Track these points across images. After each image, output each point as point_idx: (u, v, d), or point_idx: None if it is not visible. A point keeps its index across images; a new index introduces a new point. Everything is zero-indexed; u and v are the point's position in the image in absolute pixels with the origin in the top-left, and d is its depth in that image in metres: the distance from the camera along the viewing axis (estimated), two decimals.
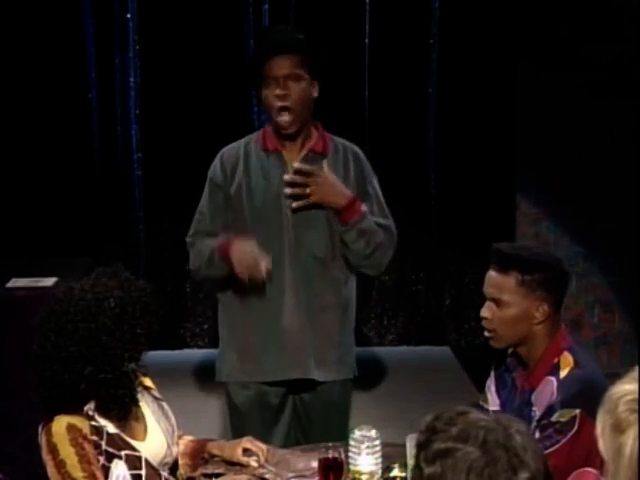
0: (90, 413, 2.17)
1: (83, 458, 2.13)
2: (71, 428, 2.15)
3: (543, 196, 4.92)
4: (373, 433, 2.34)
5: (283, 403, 2.95)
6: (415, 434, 2.26)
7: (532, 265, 2.29)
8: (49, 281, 3.74)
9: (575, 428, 2.11)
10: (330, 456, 2.33)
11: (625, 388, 1.41)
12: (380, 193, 2.95)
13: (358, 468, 2.33)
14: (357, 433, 2.35)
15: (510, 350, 2.41)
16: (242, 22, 4.98)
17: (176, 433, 2.42)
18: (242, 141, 2.95)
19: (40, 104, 4.85)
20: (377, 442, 2.34)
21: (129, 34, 4.95)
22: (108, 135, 5.05)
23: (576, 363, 2.25)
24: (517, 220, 4.98)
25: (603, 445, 1.42)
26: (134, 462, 2.22)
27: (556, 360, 2.27)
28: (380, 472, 2.35)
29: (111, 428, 2.20)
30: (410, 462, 2.32)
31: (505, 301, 2.29)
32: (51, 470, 2.15)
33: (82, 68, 4.93)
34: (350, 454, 2.34)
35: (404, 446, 2.34)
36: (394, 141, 5.10)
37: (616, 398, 1.41)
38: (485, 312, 2.34)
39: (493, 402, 2.45)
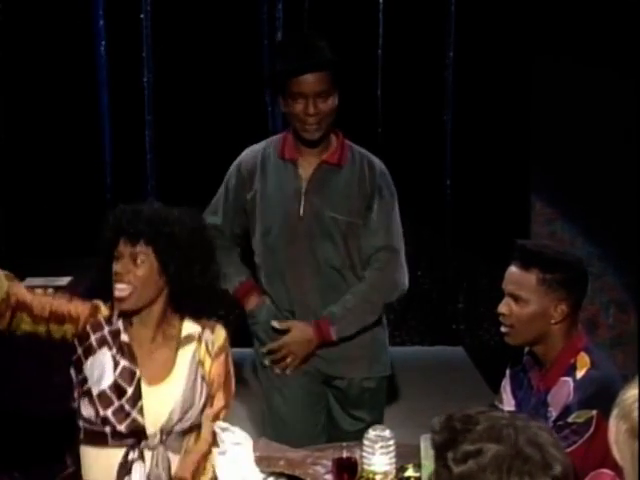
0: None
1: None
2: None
3: (558, 196, 4.89)
4: (387, 433, 2.34)
5: (317, 391, 2.97)
6: (429, 434, 2.27)
7: (554, 264, 2.27)
8: (64, 280, 3.76)
9: (592, 429, 2.09)
10: (344, 456, 2.33)
11: (638, 392, 1.40)
12: (390, 209, 2.90)
13: (372, 468, 2.32)
14: (371, 433, 2.34)
15: (526, 350, 2.39)
16: (256, 22, 4.98)
17: (191, 412, 2.35)
18: (262, 145, 2.93)
19: (51, 105, 4.86)
20: (391, 442, 2.33)
21: (142, 34, 4.96)
22: (120, 135, 5.05)
23: (592, 364, 2.24)
24: (532, 220, 4.95)
25: (618, 451, 1.41)
26: (125, 374, 2.25)
27: (572, 360, 2.26)
28: (394, 472, 2.35)
29: (125, 336, 2.27)
30: (425, 462, 2.31)
31: (524, 298, 2.27)
32: None
33: (94, 68, 4.94)
34: (364, 454, 2.33)
35: (418, 446, 2.34)
36: (408, 142, 5.09)
37: (630, 403, 1.40)
38: (503, 308, 2.32)
39: (508, 402, 2.43)
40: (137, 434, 2.26)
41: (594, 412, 2.11)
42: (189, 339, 2.34)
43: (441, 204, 5.21)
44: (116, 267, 2.24)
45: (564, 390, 2.23)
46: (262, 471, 2.38)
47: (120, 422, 2.23)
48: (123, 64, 4.97)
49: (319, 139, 2.82)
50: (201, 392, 2.34)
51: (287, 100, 2.77)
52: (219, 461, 2.29)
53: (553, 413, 2.22)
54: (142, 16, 4.94)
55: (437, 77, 5.07)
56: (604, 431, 1.98)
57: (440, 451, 1.34)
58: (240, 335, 3.11)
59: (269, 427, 2.96)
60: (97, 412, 2.23)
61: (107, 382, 2.24)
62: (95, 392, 2.24)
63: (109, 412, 2.23)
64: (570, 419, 2.14)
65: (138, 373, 2.25)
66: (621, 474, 1.45)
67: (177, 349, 2.33)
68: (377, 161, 2.93)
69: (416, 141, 5.10)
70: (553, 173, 4.87)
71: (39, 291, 2.33)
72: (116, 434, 2.24)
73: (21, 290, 2.22)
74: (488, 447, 1.30)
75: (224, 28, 4.94)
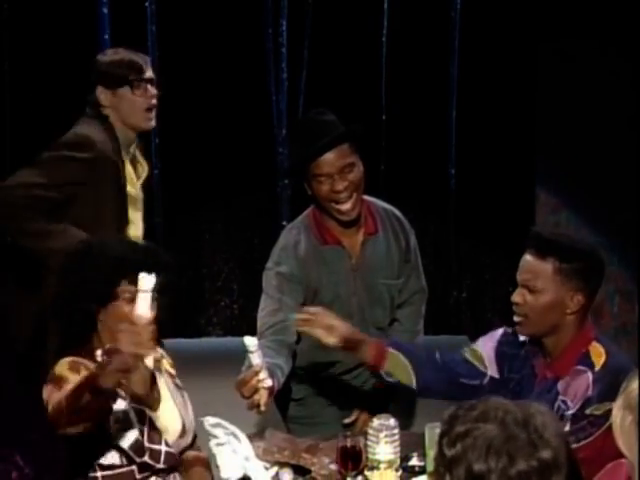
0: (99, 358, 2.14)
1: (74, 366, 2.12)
2: (73, 361, 2.17)
3: (563, 186, 4.89)
4: (392, 422, 2.34)
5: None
6: (434, 423, 2.27)
7: (571, 253, 2.22)
8: None
9: (610, 421, 2.07)
10: (349, 444, 2.34)
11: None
12: (418, 251, 2.94)
13: (376, 457, 2.33)
14: (376, 422, 2.35)
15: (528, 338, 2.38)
16: (261, 12, 4.97)
17: (192, 425, 2.39)
18: (297, 235, 2.81)
19: (55, 95, 4.84)
20: (396, 431, 2.34)
21: (147, 23, 4.95)
22: None
23: (608, 353, 2.20)
24: (536, 210, 4.95)
25: (623, 442, 1.41)
26: (139, 415, 2.22)
27: (584, 350, 2.22)
28: (398, 461, 2.36)
29: None
30: (429, 451, 2.32)
31: (540, 288, 2.22)
32: (46, 390, 2.13)
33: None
34: (368, 443, 2.34)
35: (422, 435, 2.35)
36: (412, 130, 5.08)
37: (636, 395, 1.40)
38: (517, 298, 2.27)
39: (489, 362, 2.42)
40: (174, 465, 2.28)
41: (613, 404, 2.09)
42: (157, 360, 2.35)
43: (445, 193, 5.20)
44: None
45: (581, 381, 2.19)
46: (267, 461, 2.39)
47: (157, 461, 2.24)
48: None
49: (357, 217, 2.76)
50: (184, 400, 2.40)
51: (312, 184, 2.70)
52: (220, 452, 2.29)
53: (569, 403, 2.18)
54: (146, 5, 4.94)
55: (441, 65, 5.06)
56: None
57: (440, 439, 1.34)
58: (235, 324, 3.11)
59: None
60: (132, 460, 2.21)
61: (135, 433, 2.20)
62: (127, 445, 2.20)
63: (146, 457, 2.22)
64: (588, 411, 2.11)
65: (147, 410, 2.24)
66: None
67: (152, 370, 2.32)
68: (395, 210, 2.93)
69: (420, 130, 5.09)
70: (558, 163, 4.86)
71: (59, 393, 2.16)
72: (155, 471, 2.25)
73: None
74: (475, 427, 1.29)
75: (228, 18, 4.93)
